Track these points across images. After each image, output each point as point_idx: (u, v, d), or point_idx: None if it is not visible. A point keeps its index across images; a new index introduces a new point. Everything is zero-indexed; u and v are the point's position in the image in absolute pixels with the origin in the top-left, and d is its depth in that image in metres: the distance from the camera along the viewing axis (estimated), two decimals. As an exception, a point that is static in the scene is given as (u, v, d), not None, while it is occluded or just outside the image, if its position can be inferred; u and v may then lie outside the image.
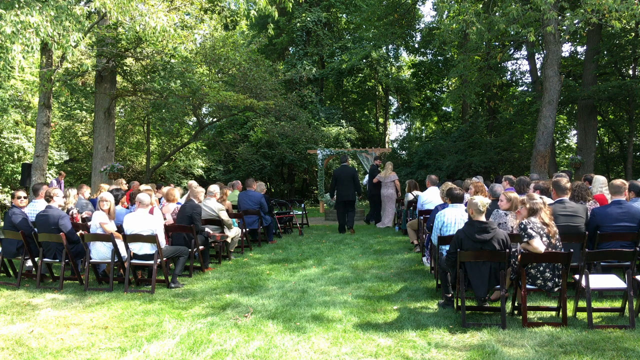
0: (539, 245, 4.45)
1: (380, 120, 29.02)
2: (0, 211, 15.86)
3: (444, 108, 26.97)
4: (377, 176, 11.86)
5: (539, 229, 4.56)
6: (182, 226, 6.71)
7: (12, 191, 13.10)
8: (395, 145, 28.53)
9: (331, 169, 22.24)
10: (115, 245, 5.94)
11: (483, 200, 4.63)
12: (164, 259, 6.07)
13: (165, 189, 8.22)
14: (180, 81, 13.01)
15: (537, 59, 18.27)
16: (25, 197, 6.60)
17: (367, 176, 12.87)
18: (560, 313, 4.51)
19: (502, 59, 18.32)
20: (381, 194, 11.83)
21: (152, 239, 5.83)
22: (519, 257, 4.47)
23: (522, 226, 4.58)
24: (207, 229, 7.37)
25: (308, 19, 21.20)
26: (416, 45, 23.36)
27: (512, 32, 11.20)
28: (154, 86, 13.29)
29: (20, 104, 17.31)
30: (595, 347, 3.85)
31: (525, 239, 4.52)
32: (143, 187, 8.26)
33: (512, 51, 20.23)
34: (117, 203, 6.97)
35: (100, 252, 6.09)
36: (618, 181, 5.61)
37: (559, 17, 10.85)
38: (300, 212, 11.99)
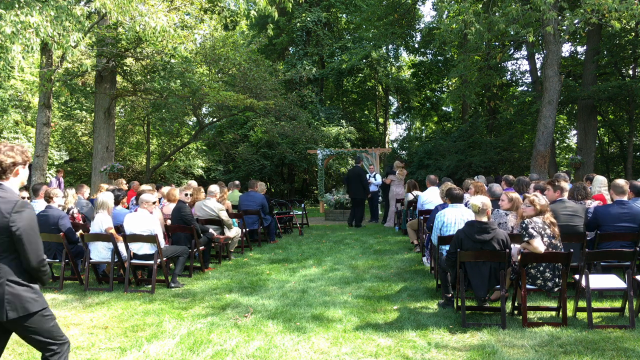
0: (539, 245, 4.45)
1: (380, 120, 29.02)
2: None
3: (444, 108, 26.98)
4: (390, 176, 11.84)
5: (540, 228, 4.56)
6: (182, 226, 6.71)
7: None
8: (395, 145, 28.55)
9: (331, 169, 22.27)
10: (115, 245, 5.94)
11: (475, 203, 4.61)
12: (164, 259, 6.07)
13: (165, 189, 8.22)
14: (180, 81, 13.01)
15: (537, 59, 18.29)
16: (28, 198, 6.61)
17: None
18: (560, 313, 4.51)
19: (502, 59, 18.34)
20: (391, 191, 11.82)
21: (152, 239, 5.84)
22: (519, 257, 4.47)
23: (524, 225, 4.58)
24: (211, 230, 7.37)
25: (308, 19, 21.20)
26: (416, 45, 23.37)
27: (512, 32, 11.19)
28: (154, 86, 13.29)
29: (20, 104, 17.32)
30: (595, 347, 3.85)
31: (525, 239, 4.52)
32: (143, 187, 8.26)
33: (512, 51, 20.24)
34: (117, 203, 6.97)
35: (100, 252, 6.09)
36: (622, 181, 5.60)
37: (559, 17, 10.85)
38: (300, 212, 11.99)
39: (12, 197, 2.62)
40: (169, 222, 6.99)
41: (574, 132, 22.43)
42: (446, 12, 15.06)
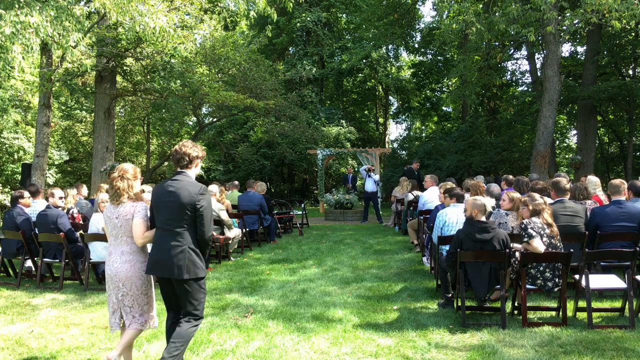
0: (538, 245, 4.45)
1: (380, 120, 29.01)
2: (0, 211, 15.85)
3: (444, 108, 26.97)
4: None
5: (539, 229, 4.56)
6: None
7: (13, 191, 13.12)
8: (395, 145, 28.54)
9: (331, 169, 22.26)
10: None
11: (490, 201, 4.64)
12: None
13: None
14: (180, 81, 12.99)
15: (537, 59, 18.28)
16: (29, 197, 6.65)
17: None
18: (560, 313, 4.51)
19: (502, 59, 18.32)
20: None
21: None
22: (519, 257, 4.47)
23: (523, 226, 4.59)
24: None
25: (308, 19, 21.19)
26: (416, 45, 23.36)
27: (512, 32, 11.18)
28: (154, 86, 13.28)
29: (20, 104, 17.29)
30: (595, 347, 3.85)
31: (525, 239, 4.53)
32: (144, 187, 8.25)
33: (512, 51, 20.23)
34: None
35: (100, 252, 6.08)
36: (617, 181, 5.62)
37: (559, 17, 10.85)
38: (300, 212, 11.99)
39: (196, 182, 3.37)
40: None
41: (574, 132, 22.42)
42: (446, 12, 15.07)
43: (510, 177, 7.89)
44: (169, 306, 3.44)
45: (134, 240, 3.42)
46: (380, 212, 13.18)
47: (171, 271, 3.23)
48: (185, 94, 13.19)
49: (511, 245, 4.65)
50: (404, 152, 25.22)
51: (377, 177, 13.06)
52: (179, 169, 3.42)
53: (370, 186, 12.85)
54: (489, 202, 4.64)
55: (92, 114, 15.32)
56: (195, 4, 11.04)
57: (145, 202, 3.57)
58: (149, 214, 3.48)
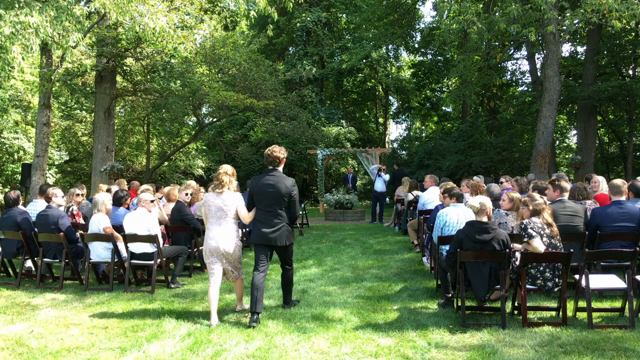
0: (538, 245, 4.45)
1: (380, 120, 29.02)
2: None
3: (444, 108, 26.97)
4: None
5: (539, 229, 4.56)
6: (182, 226, 6.71)
7: (12, 191, 13.09)
8: (395, 145, 28.54)
9: (331, 169, 22.26)
10: (115, 245, 5.94)
11: (473, 203, 4.62)
12: (164, 258, 6.06)
13: (166, 189, 8.21)
14: (180, 81, 12.99)
15: (537, 59, 18.28)
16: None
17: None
18: (560, 313, 4.51)
19: (502, 59, 18.33)
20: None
21: (151, 239, 5.83)
22: (519, 257, 4.47)
23: (523, 226, 4.58)
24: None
25: (308, 19, 21.19)
26: (416, 45, 23.37)
27: (512, 32, 11.20)
28: (154, 86, 13.28)
29: (20, 104, 17.29)
30: (595, 347, 3.85)
31: (525, 239, 4.52)
32: (143, 187, 8.25)
33: (512, 51, 20.24)
34: (121, 204, 6.92)
35: (99, 252, 6.08)
36: (618, 181, 5.60)
37: (559, 17, 10.85)
38: (300, 212, 11.99)
39: (287, 177, 4.74)
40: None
41: (574, 132, 22.42)
42: (446, 12, 15.07)
43: (508, 177, 7.91)
44: (258, 264, 4.73)
45: (232, 220, 4.76)
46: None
47: (275, 241, 4.65)
48: (185, 94, 13.19)
49: (511, 245, 4.65)
50: (404, 152, 25.22)
51: (387, 177, 13.10)
52: (271, 167, 4.77)
53: (380, 186, 12.86)
54: (477, 201, 4.61)
55: (92, 114, 15.32)
56: (195, 4, 11.04)
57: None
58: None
